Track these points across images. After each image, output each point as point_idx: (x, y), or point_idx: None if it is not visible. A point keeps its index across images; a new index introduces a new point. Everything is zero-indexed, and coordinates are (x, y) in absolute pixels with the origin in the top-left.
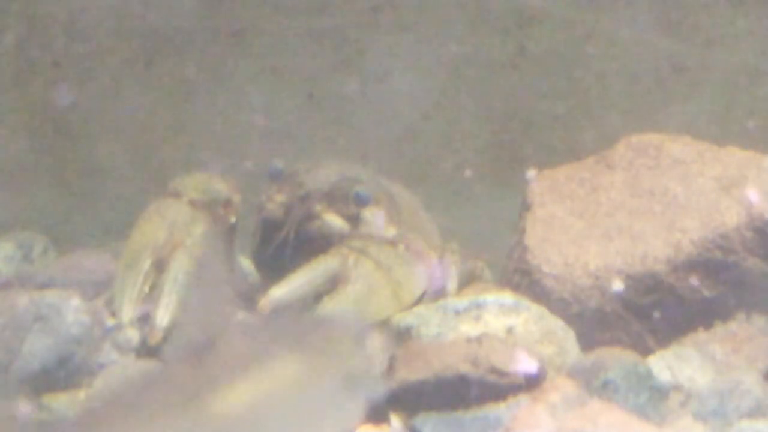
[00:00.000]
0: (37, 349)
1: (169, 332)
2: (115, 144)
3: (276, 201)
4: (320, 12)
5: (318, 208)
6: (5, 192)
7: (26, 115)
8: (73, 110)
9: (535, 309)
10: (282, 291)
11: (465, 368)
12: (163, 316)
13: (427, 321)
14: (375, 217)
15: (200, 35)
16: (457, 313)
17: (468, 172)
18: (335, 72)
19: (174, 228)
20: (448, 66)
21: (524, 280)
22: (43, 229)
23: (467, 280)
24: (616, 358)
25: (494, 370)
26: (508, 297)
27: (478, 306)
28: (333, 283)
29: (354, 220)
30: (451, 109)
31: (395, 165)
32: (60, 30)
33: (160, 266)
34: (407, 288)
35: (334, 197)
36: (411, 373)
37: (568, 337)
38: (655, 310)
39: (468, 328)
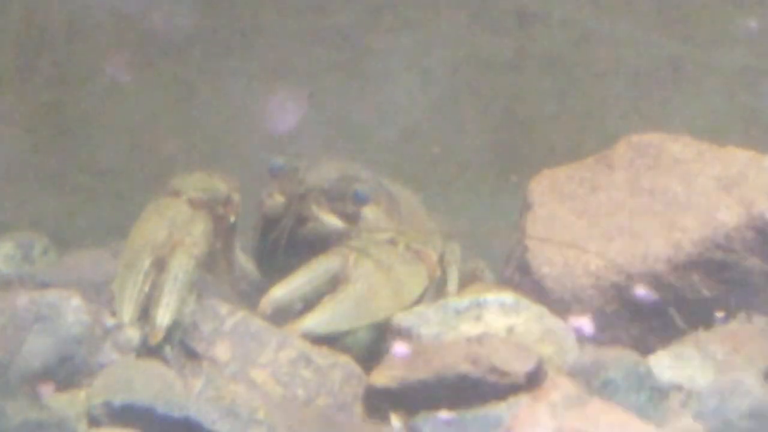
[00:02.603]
0: (37, 348)
1: (169, 332)
2: (115, 144)
3: (276, 198)
4: (321, 12)
5: (314, 207)
6: (6, 192)
7: (27, 114)
8: (73, 110)
9: (536, 308)
10: (282, 291)
11: (465, 368)
12: (163, 316)
13: (428, 320)
14: (375, 216)
15: (200, 35)
16: (458, 312)
17: (468, 172)
18: (336, 72)
19: (173, 227)
20: (449, 66)
21: (525, 280)
22: (43, 228)
23: (468, 280)
24: (617, 358)
25: (495, 370)
26: (508, 296)
27: (479, 305)
28: (334, 283)
29: (353, 218)
30: (452, 109)
31: (396, 165)
32: (60, 30)
33: (160, 265)
34: (408, 287)
35: (333, 195)
36: (411, 373)
37: (567, 336)
38: (655, 309)
39: (469, 327)
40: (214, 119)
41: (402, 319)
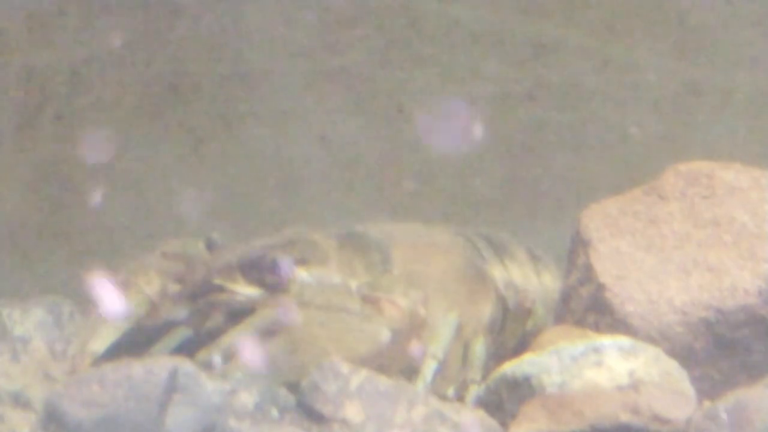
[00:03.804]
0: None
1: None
2: (121, 199)
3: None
4: (330, 51)
5: (218, 280)
6: (11, 254)
7: (29, 172)
8: (77, 166)
9: (652, 350)
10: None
11: (626, 417)
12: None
13: (548, 369)
14: (317, 276)
15: (207, 81)
16: (575, 359)
17: (488, 208)
18: (347, 112)
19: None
20: (464, 100)
21: (604, 320)
22: (53, 291)
23: (522, 315)
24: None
25: (657, 418)
26: (624, 339)
27: (597, 350)
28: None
29: (278, 287)
30: (468, 144)
31: (412, 205)
32: (62, 82)
33: None
34: (347, 340)
35: (247, 269)
36: (559, 426)
37: (683, 377)
38: (747, 344)
39: (594, 374)
40: (224, 168)
41: (516, 368)
